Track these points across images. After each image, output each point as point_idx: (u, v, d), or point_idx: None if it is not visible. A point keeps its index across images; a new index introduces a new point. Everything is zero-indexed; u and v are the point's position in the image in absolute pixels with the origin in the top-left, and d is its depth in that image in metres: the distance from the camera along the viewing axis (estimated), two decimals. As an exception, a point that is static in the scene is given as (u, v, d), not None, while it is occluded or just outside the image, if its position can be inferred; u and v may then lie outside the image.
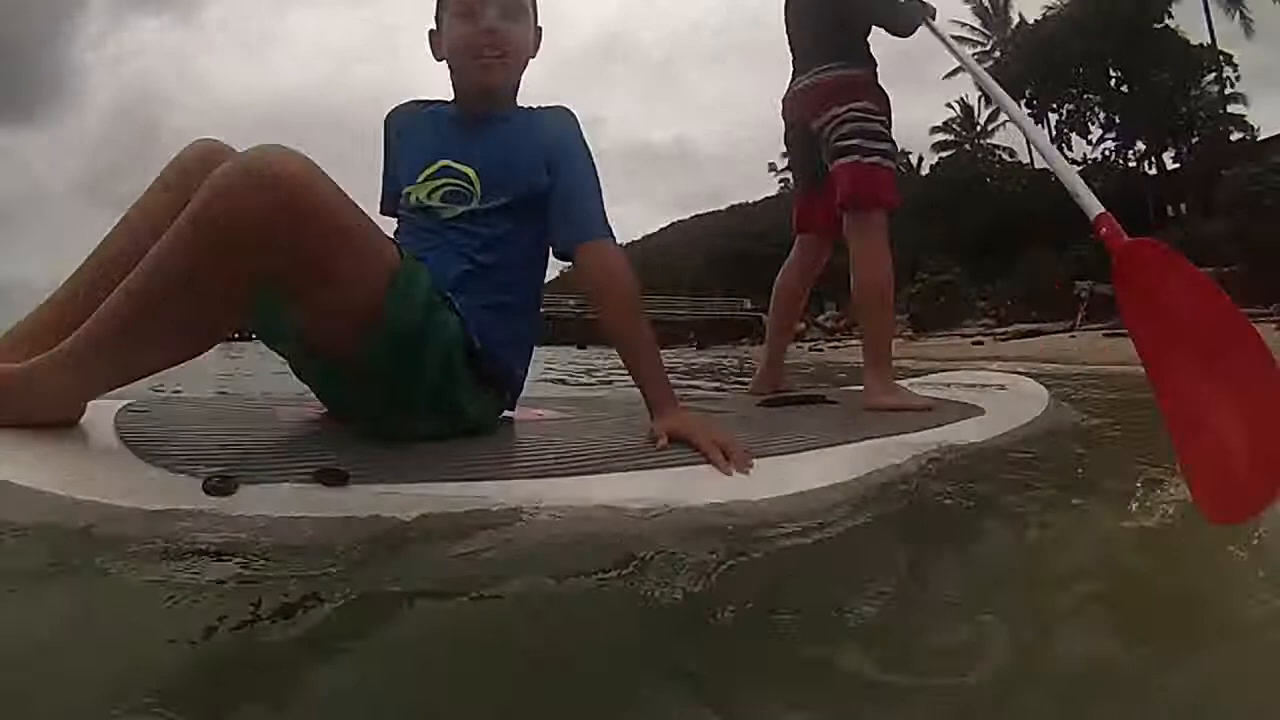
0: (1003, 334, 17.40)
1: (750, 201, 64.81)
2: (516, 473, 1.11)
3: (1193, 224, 20.76)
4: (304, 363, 1.23)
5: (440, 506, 0.99)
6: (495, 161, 1.38)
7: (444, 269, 1.27)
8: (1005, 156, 34.13)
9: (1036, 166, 31.46)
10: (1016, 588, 0.94)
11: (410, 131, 1.48)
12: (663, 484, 1.11)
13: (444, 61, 1.46)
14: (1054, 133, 28.24)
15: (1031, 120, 2.46)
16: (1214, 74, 24.97)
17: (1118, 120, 26.22)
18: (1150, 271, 1.28)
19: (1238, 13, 26.67)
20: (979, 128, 44.57)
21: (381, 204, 1.50)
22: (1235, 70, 25.42)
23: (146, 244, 1.00)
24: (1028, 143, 31.80)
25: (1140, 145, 26.48)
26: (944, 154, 40.23)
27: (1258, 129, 24.71)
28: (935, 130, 46.27)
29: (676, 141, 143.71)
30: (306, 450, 1.09)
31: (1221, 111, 24.68)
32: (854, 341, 21.90)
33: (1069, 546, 1.06)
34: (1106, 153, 27.70)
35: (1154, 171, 26.68)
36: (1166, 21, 24.52)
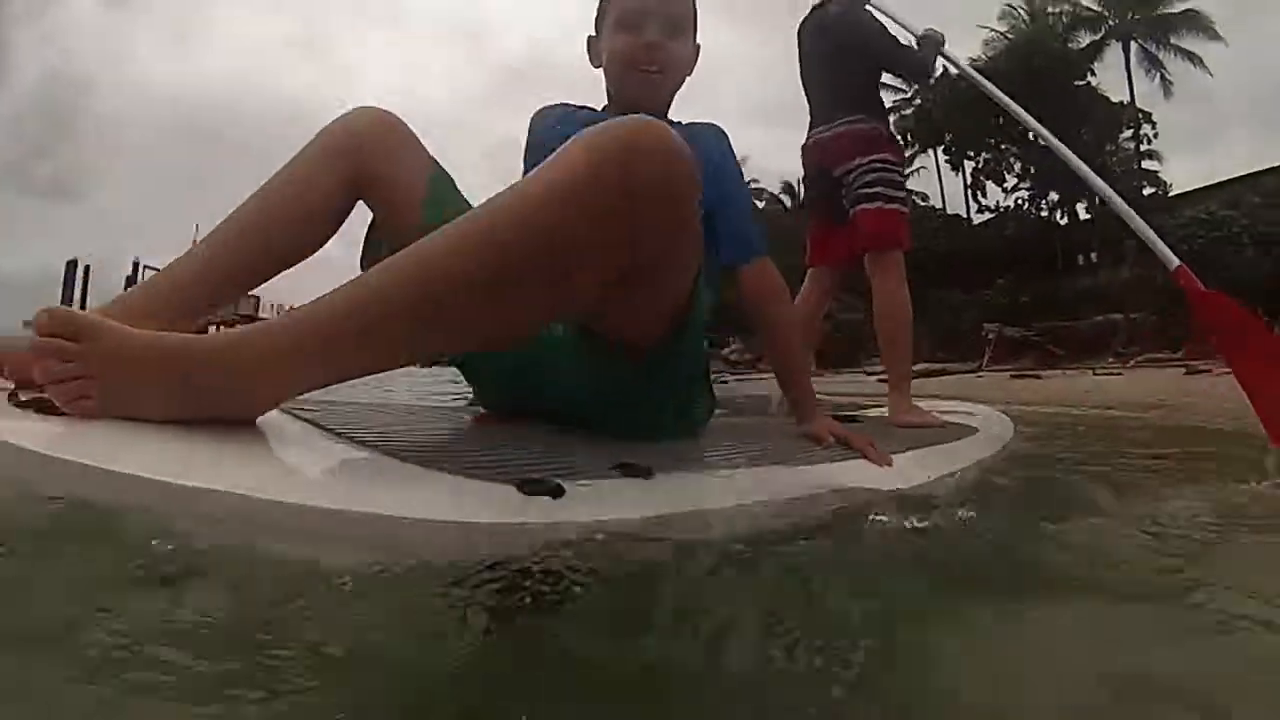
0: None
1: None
2: (776, 460, 1.21)
3: (1103, 272, 21.29)
4: (569, 353, 1.12)
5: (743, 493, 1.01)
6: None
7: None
8: (919, 201, 35.05)
9: (949, 212, 32.37)
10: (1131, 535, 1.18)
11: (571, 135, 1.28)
12: (851, 472, 1.26)
13: (600, 69, 1.51)
14: (970, 179, 28.97)
15: (1081, 162, 2.45)
16: (1132, 131, 26.04)
17: (1033, 170, 26.78)
18: (1219, 312, 1.89)
19: (1158, 74, 28.21)
20: (898, 172, 45.84)
21: None
22: (1154, 128, 26.66)
23: (314, 209, 1.06)
24: (941, 190, 32.12)
25: (1054, 195, 27.14)
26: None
27: (1170, 185, 25.89)
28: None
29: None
30: (561, 451, 1.03)
31: (1136, 167, 25.67)
32: (759, 376, 22.84)
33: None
34: (1020, 200, 28.37)
35: (1065, 221, 27.52)
36: (1089, 79, 25.53)
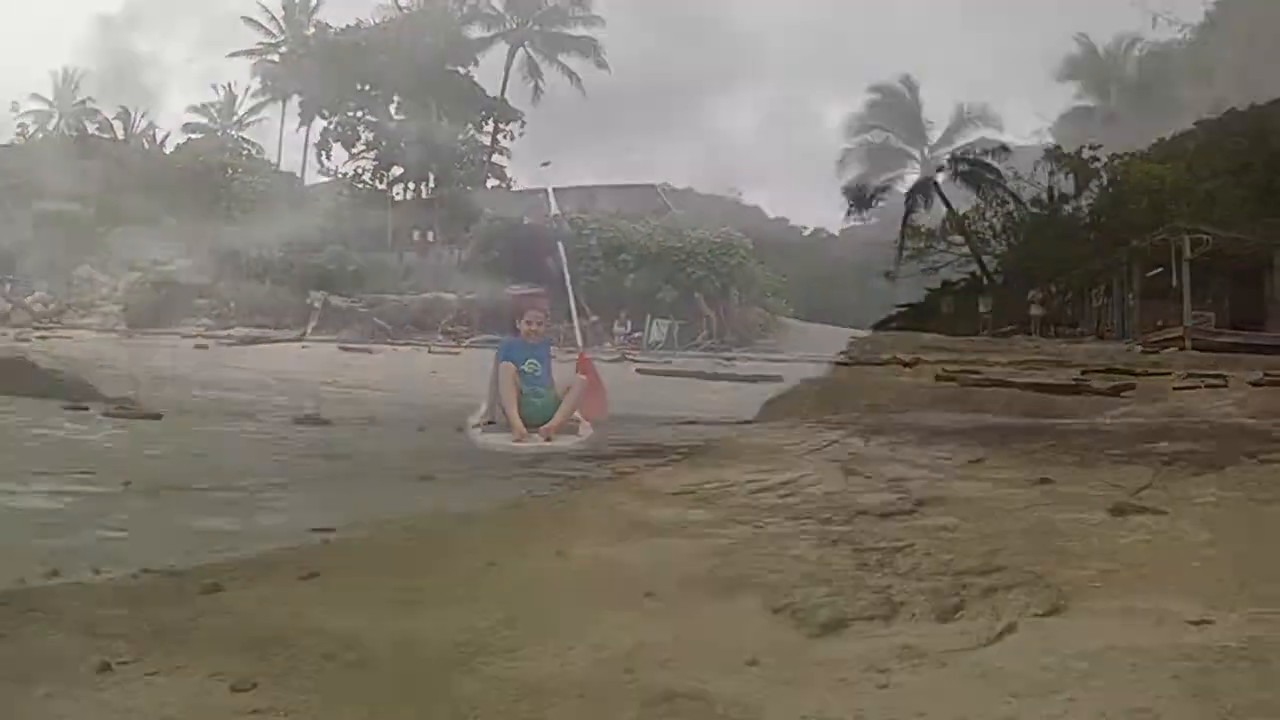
0: (227, 338, 16.67)
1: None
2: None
3: (436, 251, 23.69)
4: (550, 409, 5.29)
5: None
6: (545, 362, 5.43)
7: (548, 391, 5.37)
8: (253, 151, 32.60)
9: (283, 169, 29.88)
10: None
11: (516, 351, 5.30)
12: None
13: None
14: (319, 138, 28.27)
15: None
16: (493, 124, 28.08)
17: (383, 143, 27.04)
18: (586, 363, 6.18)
19: (535, 81, 29.77)
20: (237, 118, 40.85)
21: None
22: (522, 126, 29.15)
23: None
24: (280, 145, 28.90)
25: (398, 170, 27.52)
26: (194, 135, 37.17)
27: (513, 180, 28.77)
28: (191, 110, 41.46)
29: None
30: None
31: (486, 159, 27.80)
32: (64, 332, 18.89)
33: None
34: (360, 170, 28.53)
35: (404, 197, 28.17)
36: (471, 70, 26.94)
